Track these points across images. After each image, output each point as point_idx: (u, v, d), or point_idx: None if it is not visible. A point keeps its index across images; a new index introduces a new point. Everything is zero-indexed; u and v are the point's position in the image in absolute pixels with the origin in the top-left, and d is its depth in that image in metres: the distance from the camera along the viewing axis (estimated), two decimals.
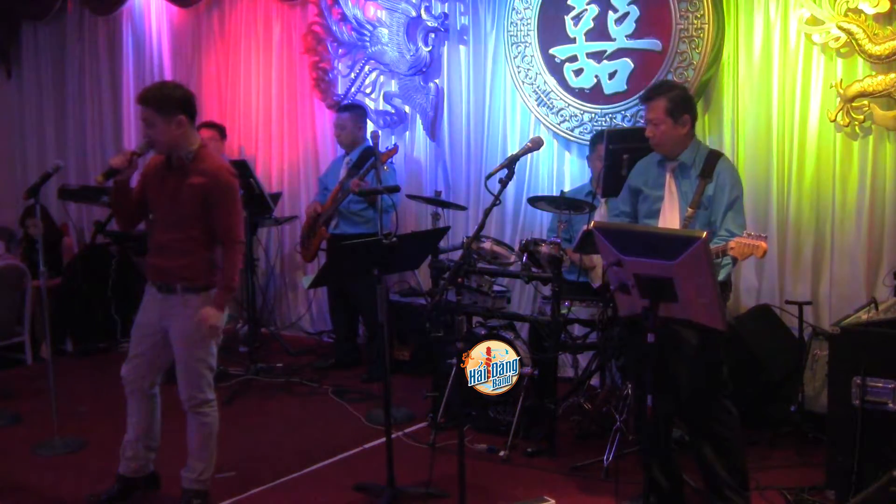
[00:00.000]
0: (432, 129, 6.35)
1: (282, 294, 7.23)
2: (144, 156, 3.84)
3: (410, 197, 5.66)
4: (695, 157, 3.70)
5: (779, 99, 5.04)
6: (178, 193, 3.72)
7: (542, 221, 5.82)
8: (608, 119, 5.51)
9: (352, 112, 6.01)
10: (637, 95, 5.37)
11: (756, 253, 3.30)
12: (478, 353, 3.50)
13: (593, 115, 5.57)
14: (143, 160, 3.91)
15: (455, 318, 4.91)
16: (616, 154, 4.36)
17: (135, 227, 4.03)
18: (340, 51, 6.68)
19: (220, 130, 6.74)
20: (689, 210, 3.60)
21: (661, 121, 3.67)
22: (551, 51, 5.67)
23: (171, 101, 3.70)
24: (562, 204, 4.71)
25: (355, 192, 5.48)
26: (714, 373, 3.59)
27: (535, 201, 4.83)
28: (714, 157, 3.69)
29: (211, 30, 7.42)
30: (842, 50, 4.79)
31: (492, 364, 3.53)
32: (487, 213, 3.67)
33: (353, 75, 6.62)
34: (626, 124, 5.41)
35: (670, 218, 3.68)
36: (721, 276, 3.56)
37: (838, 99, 4.78)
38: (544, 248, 4.58)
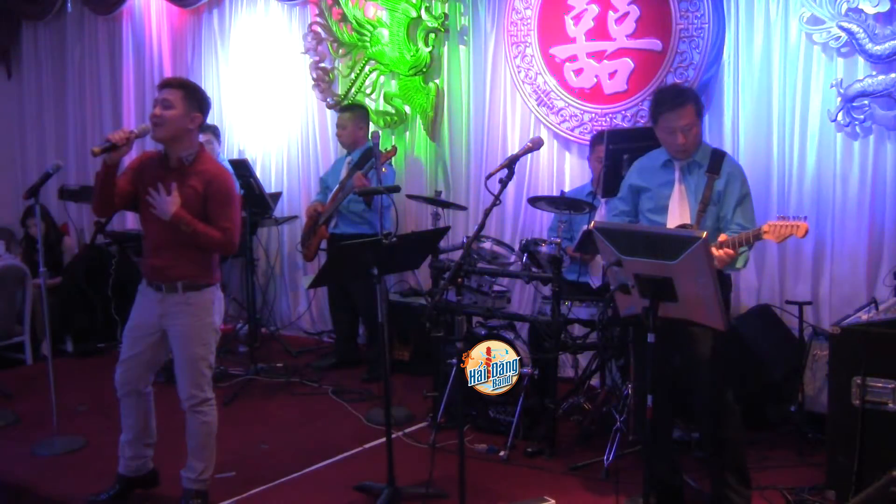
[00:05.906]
0: (432, 129, 6.35)
1: (282, 294, 7.23)
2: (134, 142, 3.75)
3: (410, 197, 5.66)
4: (703, 154, 3.70)
5: (779, 99, 5.04)
6: (179, 194, 3.71)
7: (542, 221, 5.81)
8: (608, 119, 5.51)
9: (352, 112, 6.01)
10: (637, 95, 5.38)
11: (797, 233, 3.32)
12: (478, 353, 3.50)
13: (593, 115, 5.57)
14: (129, 157, 3.87)
15: (455, 318, 4.91)
16: (616, 154, 4.36)
17: (110, 214, 3.98)
18: (340, 51, 6.68)
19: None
20: (700, 206, 3.60)
21: (693, 124, 3.60)
22: (551, 51, 5.67)
23: (199, 97, 3.76)
24: (562, 204, 4.72)
25: (356, 192, 5.48)
26: (725, 372, 3.60)
27: (535, 201, 4.82)
28: (719, 154, 3.71)
29: (211, 30, 7.42)
30: (842, 50, 4.79)
31: (492, 364, 3.52)
32: (487, 213, 3.66)
33: (353, 75, 6.62)
34: (626, 124, 5.41)
35: (680, 213, 3.65)
36: (739, 264, 3.57)
37: (838, 99, 4.78)
38: (544, 248, 4.58)
